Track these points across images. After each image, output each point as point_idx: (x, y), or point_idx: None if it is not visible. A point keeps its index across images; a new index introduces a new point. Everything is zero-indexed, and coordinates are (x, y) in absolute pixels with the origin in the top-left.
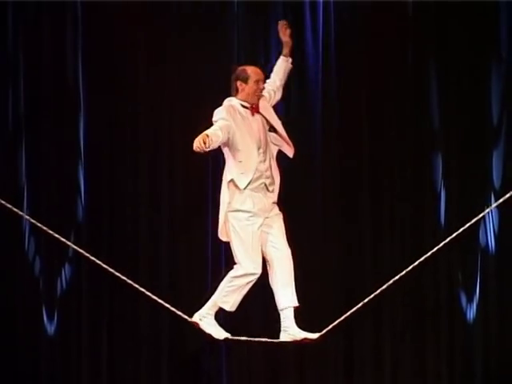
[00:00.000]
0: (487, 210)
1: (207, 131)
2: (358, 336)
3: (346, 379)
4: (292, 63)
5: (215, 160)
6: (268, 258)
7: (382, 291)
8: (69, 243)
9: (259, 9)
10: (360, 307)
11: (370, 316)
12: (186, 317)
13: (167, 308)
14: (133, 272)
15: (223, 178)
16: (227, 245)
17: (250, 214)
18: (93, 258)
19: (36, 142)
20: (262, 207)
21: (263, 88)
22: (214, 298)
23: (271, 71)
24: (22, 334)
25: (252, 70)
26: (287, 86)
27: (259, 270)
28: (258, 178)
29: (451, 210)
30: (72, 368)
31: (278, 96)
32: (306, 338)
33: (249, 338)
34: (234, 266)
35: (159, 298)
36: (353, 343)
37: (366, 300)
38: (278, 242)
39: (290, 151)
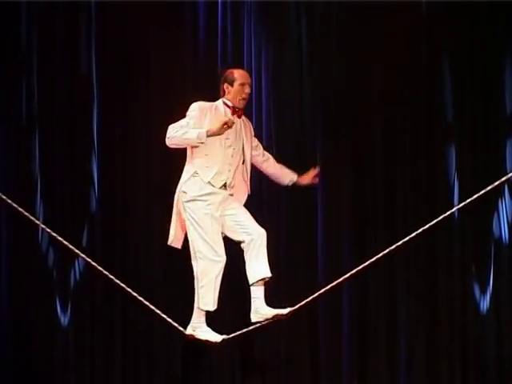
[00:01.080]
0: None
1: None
2: (371, 332)
3: (360, 368)
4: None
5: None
6: (239, 239)
7: (396, 283)
8: (71, 247)
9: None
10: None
11: (384, 311)
12: (181, 329)
13: (165, 319)
14: (146, 263)
15: (184, 171)
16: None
17: (207, 203)
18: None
19: (49, 134)
20: (218, 197)
21: (248, 93)
22: (195, 305)
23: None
24: (36, 326)
25: (238, 73)
26: (301, 73)
27: (223, 258)
28: (219, 174)
29: (465, 200)
30: (85, 359)
31: (261, 161)
32: (277, 315)
33: (244, 330)
34: (193, 263)
35: (170, 292)
36: (367, 341)
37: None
38: (245, 224)
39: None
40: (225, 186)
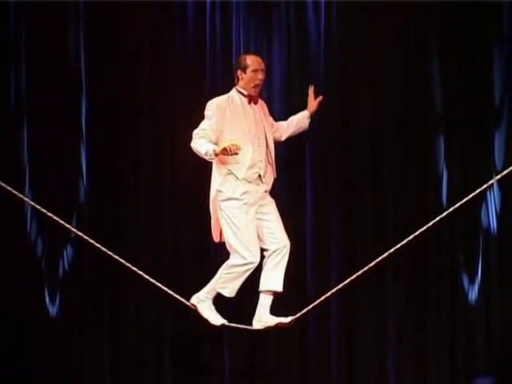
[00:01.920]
0: (489, 183)
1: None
2: (360, 318)
3: (348, 355)
4: (310, 123)
5: None
6: (266, 247)
7: (384, 273)
8: (68, 226)
9: (262, 9)
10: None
11: (372, 301)
12: (183, 300)
13: (166, 291)
14: (134, 254)
15: (214, 171)
16: None
17: (243, 202)
18: (91, 241)
19: (38, 124)
20: (254, 196)
21: (261, 79)
22: (211, 283)
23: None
24: (25, 316)
25: (251, 59)
26: (289, 73)
27: (257, 259)
28: (252, 167)
29: (453, 192)
30: (74, 349)
31: (282, 138)
32: (279, 323)
33: (244, 326)
34: (231, 255)
35: (160, 280)
36: (355, 327)
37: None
38: (276, 234)
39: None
40: (260, 178)
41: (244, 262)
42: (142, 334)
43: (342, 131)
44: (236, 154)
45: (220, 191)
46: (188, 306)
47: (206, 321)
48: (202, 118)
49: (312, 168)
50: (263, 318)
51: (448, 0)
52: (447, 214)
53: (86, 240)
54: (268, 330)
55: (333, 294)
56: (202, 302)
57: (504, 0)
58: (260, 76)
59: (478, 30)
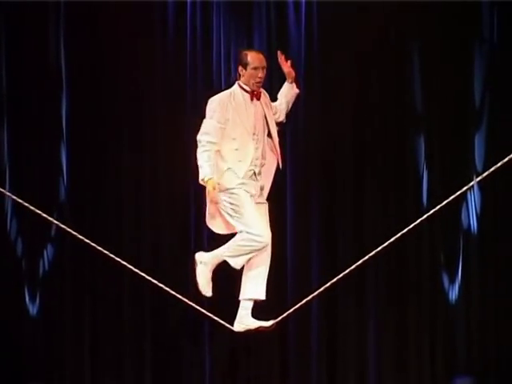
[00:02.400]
0: (469, 185)
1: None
2: (341, 318)
3: (329, 355)
4: (298, 88)
5: None
6: None
7: (364, 274)
8: (52, 220)
9: (243, 9)
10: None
11: (352, 301)
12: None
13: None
14: (115, 253)
15: (216, 167)
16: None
17: (243, 189)
18: (75, 233)
19: (18, 124)
20: (252, 188)
21: (261, 77)
22: (220, 251)
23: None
24: (4, 315)
25: (252, 56)
26: (270, 73)
27: (269, 239)
28: (250, 165)
29: (433, 192)
30: (55, 349)
31: (281, 118)
32: (260, 327)
33: (226, 324)
34: (245, 231)
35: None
36: (336, 328)
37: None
38: None
39: (274, 161)
40: (255, 174)
41: (260, 239)
42: (123, 333)
43: (323, 131)
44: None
45: (218, 184)
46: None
47: (194, 285)
48: (182, 116)
49: (292, 169)
50: (245, 320)
51: (428, 0)
52: (428, 216)
53: (70, 233)
54: (248, 333)
55: (314, 296)
56: (201, 264)
57: (484, 0)
58: (260, 74)
59: (458, 30)
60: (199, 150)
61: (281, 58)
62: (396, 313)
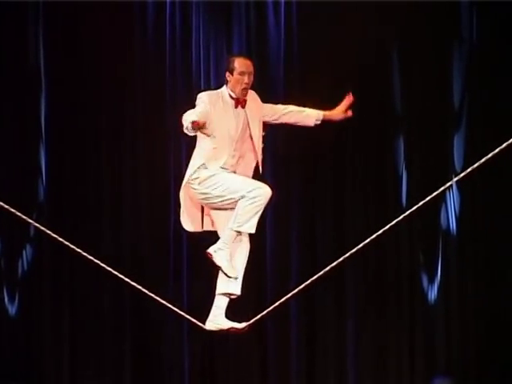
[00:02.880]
0: (447, 184)
1: (190, 116)
2: (320, 317)
3: (308, 355)
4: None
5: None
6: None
7: (343, 273)
8: (30, 221)
9: (222, 9)
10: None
11: (331, 301)
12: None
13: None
14: (94, 254)
15: (192, 160)
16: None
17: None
18: (54, 235)
19: None
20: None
21: (248, 83)
22: (227, 230)
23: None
24: None
25: (238, 62)
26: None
27: (268, 188)
28: (224, 164)
29: (412, 193)
30: (34, 349)
31: (278, 120)
32: (232, 328)
33: (198, 323)
34: (245, 195)
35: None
36: (315, 328)
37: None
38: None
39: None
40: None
41: (262, 191)
42: (102, 333)
43: (302, 131)
44: (200, 127)
45: (196, 178)
46: (204, 253)
47: (218, 267)
48: (162, 116)
49: (272, 168)
50: (218, 320)
51: (407, 0)
52: (406, 215)
53: (49, 236)
54: (221, 333)
55: (293, 295)
56: (220, 251)
57: (463, 0)
58: (247, 80)
59: (437, 30)
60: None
61: (349, 97)
62: (375, 312)
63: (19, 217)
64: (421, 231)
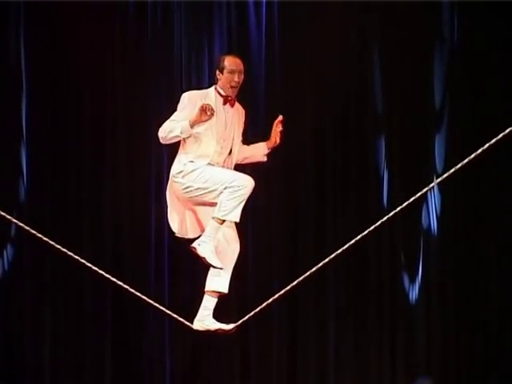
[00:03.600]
0: (430, 186)
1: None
2: (302, 318)
3: (289, 355)
4: (267, 160)
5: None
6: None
7: (325, 274)
8: (11, 218)
9: (203, 9)
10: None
11: (312, 301)
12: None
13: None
14: (75, 253)
15: (176, 161)
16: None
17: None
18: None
19: None
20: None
21: (238, 81)
22: (212, 221)
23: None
24: None
25: (228, 60)
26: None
27: (251, 179)
28: (212, 163)
29: (394, 193)
30: (15, 350)
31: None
32: (220, 329)
33: (185, 322)
34: (228, 186)
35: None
36: (296, 328)
37: (287, 288)
38: (228, 234)
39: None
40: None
41: (245, 182)
42: (83, 333)
43: (284, 131)
44: (212, 114)
45: (181, 171)
46: (189, 247)
47: (202, 259)
48: (144, 114)
49: (253, 167)
50: (206, 321)
51: (388, 0)
52: (388, 217)
53: (29, 233)
54: (208, 333)
55: (275, 299)
56: (204, 243)
57: (444, 0)
58: (236, 78)
59: (418, 30)
60: (162, 129)
61: (278, 121)
62: (356, 313)
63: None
64: (402, 231)
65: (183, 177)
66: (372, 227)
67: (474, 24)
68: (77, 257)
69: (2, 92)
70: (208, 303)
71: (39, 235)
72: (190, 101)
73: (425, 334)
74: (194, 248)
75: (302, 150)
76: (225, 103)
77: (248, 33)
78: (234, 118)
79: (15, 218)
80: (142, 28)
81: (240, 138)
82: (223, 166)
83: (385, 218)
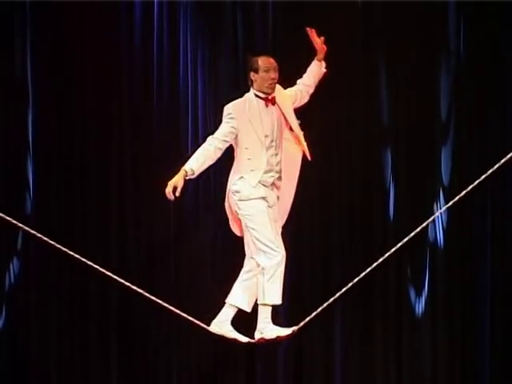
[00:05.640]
0: (437, 213)
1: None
2: (307, 330)
3: (296, 368)
4: (326, 68)
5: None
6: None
7: (331, 289)
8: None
9: (209, 10)
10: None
11: (319, 314)
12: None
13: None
14: (81, 266)
15: (232, 171)
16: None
17: (261, 202)
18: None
19: None
20: (270, 199)
21: (273, 77)
22: (261, 308)
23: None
24: None
25: (262, 60)
26: (236, 73)
27: (282, 251)
28: (267, 172)
29: (400, 206)
30: (20, 363)
31: (305, 99)
32: (235, 339)
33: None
34: (259, 258)
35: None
36: (302, 345)
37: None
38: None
39: (299, 153)
40: (274, 183)
41: (278, 256)
42: (89, 345)
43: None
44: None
45: (237, 192)
46: (257, 341)
47: (278, 338)
48: (150, 120)
49: None
50: (223, 326)
51: (395, 12)
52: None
53: (36, 246)
54: (223, 340)
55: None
56: (265, 329)
57: (450, 12)
58: (272, 75)
59: (424, 42)
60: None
61: (312, 33)
62: (362, 326)
63: (6, 229)
64: (408, 245)
65: (239, 200)
66: (375, 263)
67: (481, 36)
68: (84, 259)
69: (9, 104)
70: (228, 310)
71: (46, 238)
72: (235, 112)
73: (430, 348)
74: (262, 339)
75: (307, 163)
76: (267, 105)
77: (254, 34)
78: (281, 111)
79: (21, 232)
80: (147, 28)
81: (294, 116)
82: (281, 171)
83: (387, 254)
